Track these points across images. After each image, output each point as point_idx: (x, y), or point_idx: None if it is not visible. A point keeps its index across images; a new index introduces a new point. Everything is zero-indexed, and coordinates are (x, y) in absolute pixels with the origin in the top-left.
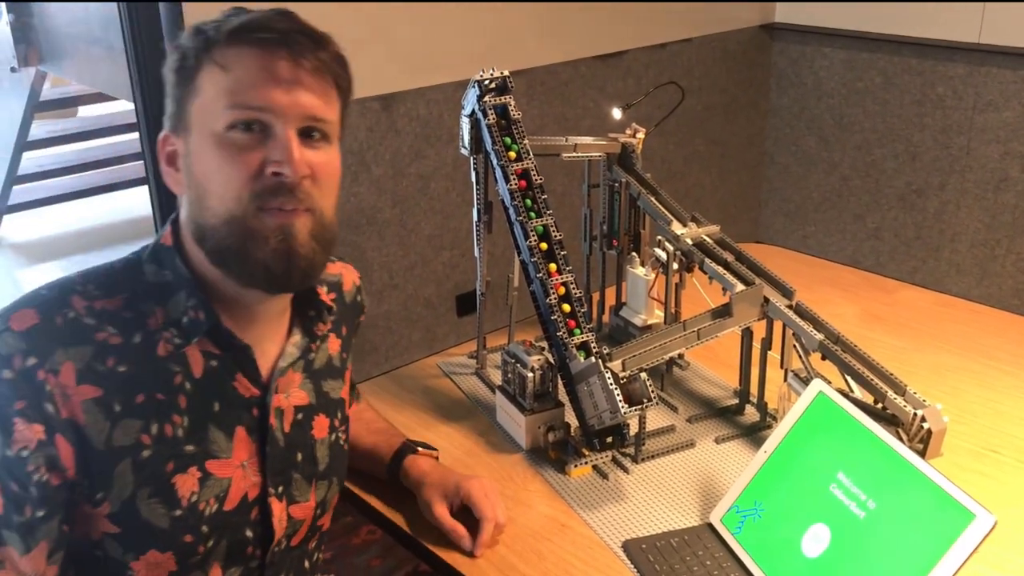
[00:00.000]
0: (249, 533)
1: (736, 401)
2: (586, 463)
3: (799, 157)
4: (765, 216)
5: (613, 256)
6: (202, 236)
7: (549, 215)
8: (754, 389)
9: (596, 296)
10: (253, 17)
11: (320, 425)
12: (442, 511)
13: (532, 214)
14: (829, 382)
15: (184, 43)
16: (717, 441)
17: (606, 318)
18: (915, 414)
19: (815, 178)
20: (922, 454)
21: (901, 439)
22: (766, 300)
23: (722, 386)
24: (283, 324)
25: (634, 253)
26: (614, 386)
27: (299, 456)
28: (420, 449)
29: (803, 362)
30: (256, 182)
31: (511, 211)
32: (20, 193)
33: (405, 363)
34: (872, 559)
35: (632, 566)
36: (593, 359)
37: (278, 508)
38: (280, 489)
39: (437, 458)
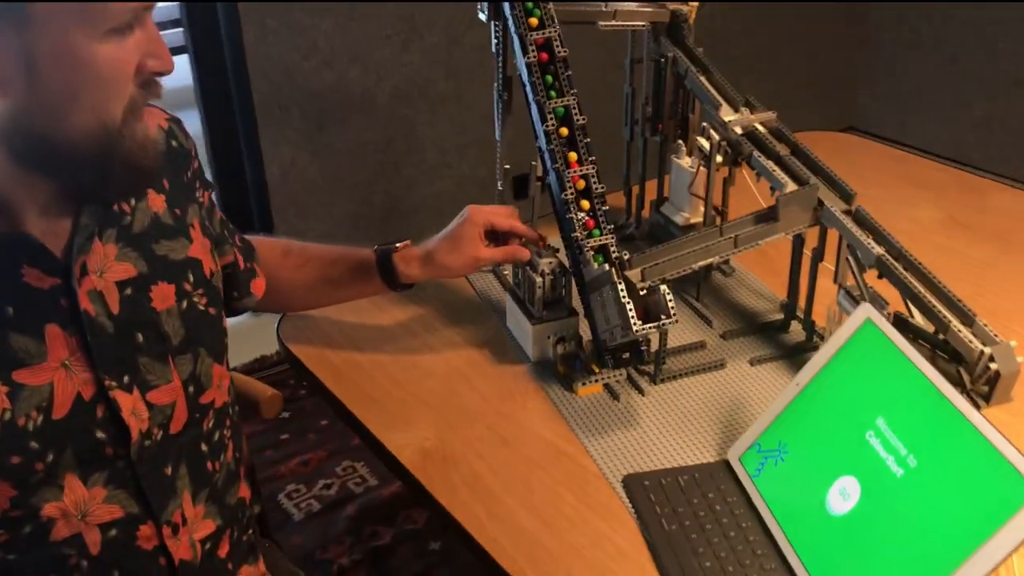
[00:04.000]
0: (101, 435)
1: (781, 316)
2: (596, 381)
3: (902, 33)
4: (860, 100)
5: (657, 143)
6: (43, 146)
7: (572, 95)
8: (803, 304)
9: (636, 189)
10: None
11: (162, 294)
12: (489, 251)
13: (552, 93)
14: (886, 304)
15: None
16: (752, 363)
17: (646, 213)
18: (981, 352)
19: (919, 57)
20: (986, 399)
21: (962, 379)
22: (820, 203)
23: (770, 298)
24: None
25: (680, 141)
26: (627, 299)
27: (140, 336)
28: (397, 245)
29: (856, 279)
30: (132, 85)
31: (527, 89)
32: None
33: None
34: (906, 526)
35: (629, 504)
36: (607, 266)
37: (128, 400)
38: (126, 379)
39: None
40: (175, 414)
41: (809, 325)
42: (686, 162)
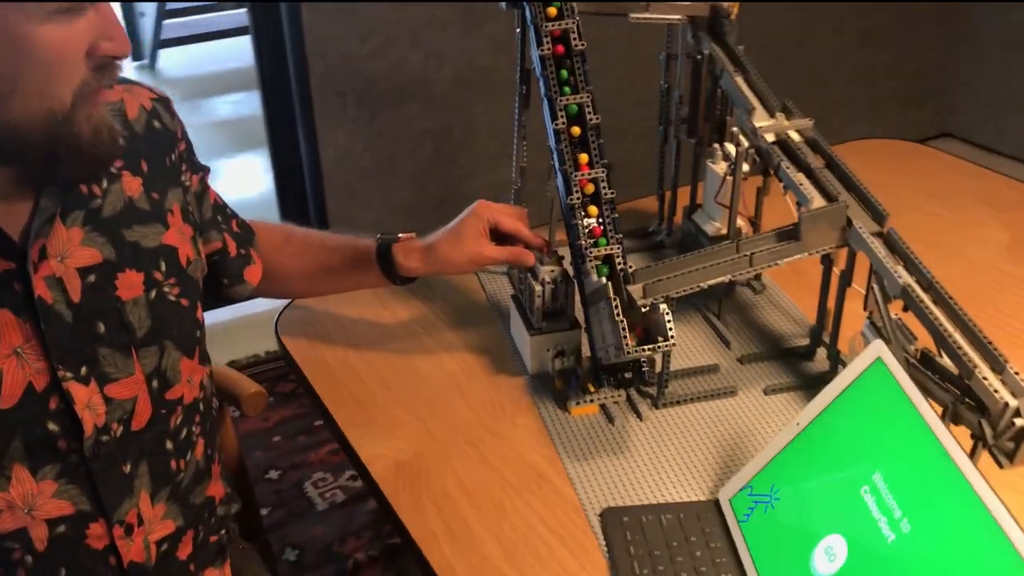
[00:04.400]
0: (54, 427)
1: (808, 342)
2: (592, 401)
3: (1008, 33)
4: (957, 104)
5: (693, 146)
6: None
7: (588, 92)
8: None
9: (668, 195)
10: None
11: (129, 283)
12: (493, 249)
13: (566, 88)
14: (913, 340)
15: None
16: (766, 392)
17: (678, 219)
18: (1006, 404)
19: None
20: (1010, 457)
21: (983, 433)
22: (849, 223)
23: (800, 321)
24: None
25: (716, 145)
26: (620, 317)
27: (101, 326)
28: (400, 235)
29: (879, 309)
30: (83, 68)
31: (540, 83)
32: (173, 28)
33: None
34: None
35: (603, 541)
36: (604, 279)
37: (84, 393)
38: (83, 370)
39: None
40: (137, 409)
41: (834, 355)
42: (721, 168)
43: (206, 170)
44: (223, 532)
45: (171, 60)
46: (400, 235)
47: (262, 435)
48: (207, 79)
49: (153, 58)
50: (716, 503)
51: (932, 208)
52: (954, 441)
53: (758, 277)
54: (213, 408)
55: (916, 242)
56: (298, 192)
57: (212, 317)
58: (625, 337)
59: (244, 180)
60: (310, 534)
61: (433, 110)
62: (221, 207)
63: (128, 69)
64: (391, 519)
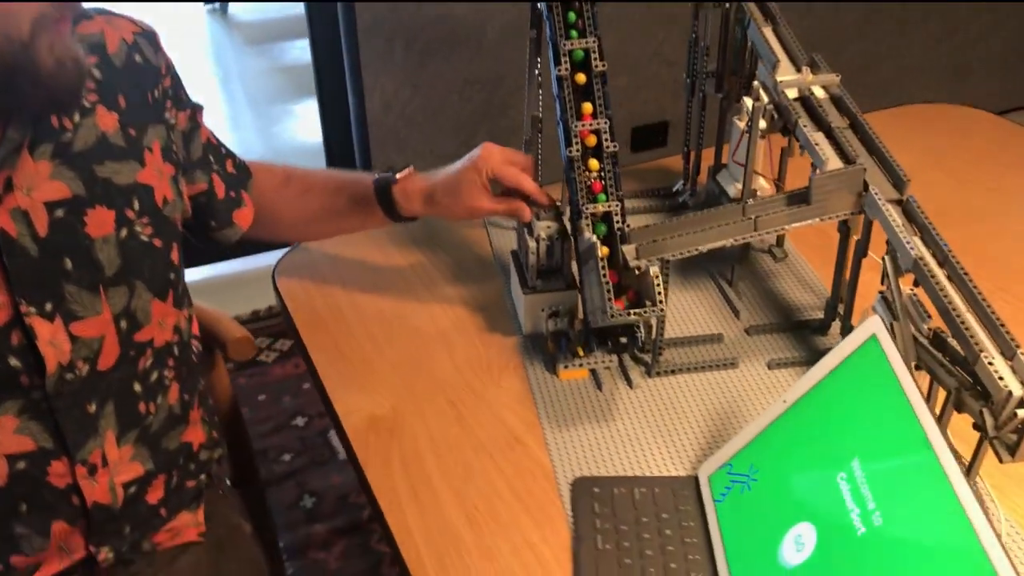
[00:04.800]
0: (15, 362)
1: (822, 316)
2: (582, 366)
3: None
4: None
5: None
6: None
7: (595, 37)
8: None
9: (692, 153)
10: None
11: (99, 220)
12: (489, 203)
13: (574, 32)
14: (927, 319)
15: None
16: (770, 366)
17: (703, 178)
18: (1010, 393)
19: None
20: (1012, 451)
21: (984, 423)
22: (866, 187)
23: (819, 292)
24: None
25: (744, 101)
26: (606, 279)
27: (68, 263)
28: (398, 175)
29: (890, 282)
30: None
31: (546, 25)
32: None
33: None
34: None
35: (569, 511)
36: (595, 237)
37: (47, 329)
38: (48, 307)
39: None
40: (104, 349)
41: (848, 329)
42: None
43: (197, 108)
44: (203, 477)
45: (242, 4)
46: (397, 174)
47: (292, 381)
48: (277, 24)
49: (225, 1)
50: (695, 480)
51: (984, 179)
52: (940, 434)
53: (780, 244)
54: (193, 353)
55: (957, 213)
56: (345, 139)
57: (254, 263)
58: (609, 299)
59: (308, 125)
60: (329, 482)
61: (483, 60)
62: (215, 147)
63: (200, 13)
64: (358, 477)
